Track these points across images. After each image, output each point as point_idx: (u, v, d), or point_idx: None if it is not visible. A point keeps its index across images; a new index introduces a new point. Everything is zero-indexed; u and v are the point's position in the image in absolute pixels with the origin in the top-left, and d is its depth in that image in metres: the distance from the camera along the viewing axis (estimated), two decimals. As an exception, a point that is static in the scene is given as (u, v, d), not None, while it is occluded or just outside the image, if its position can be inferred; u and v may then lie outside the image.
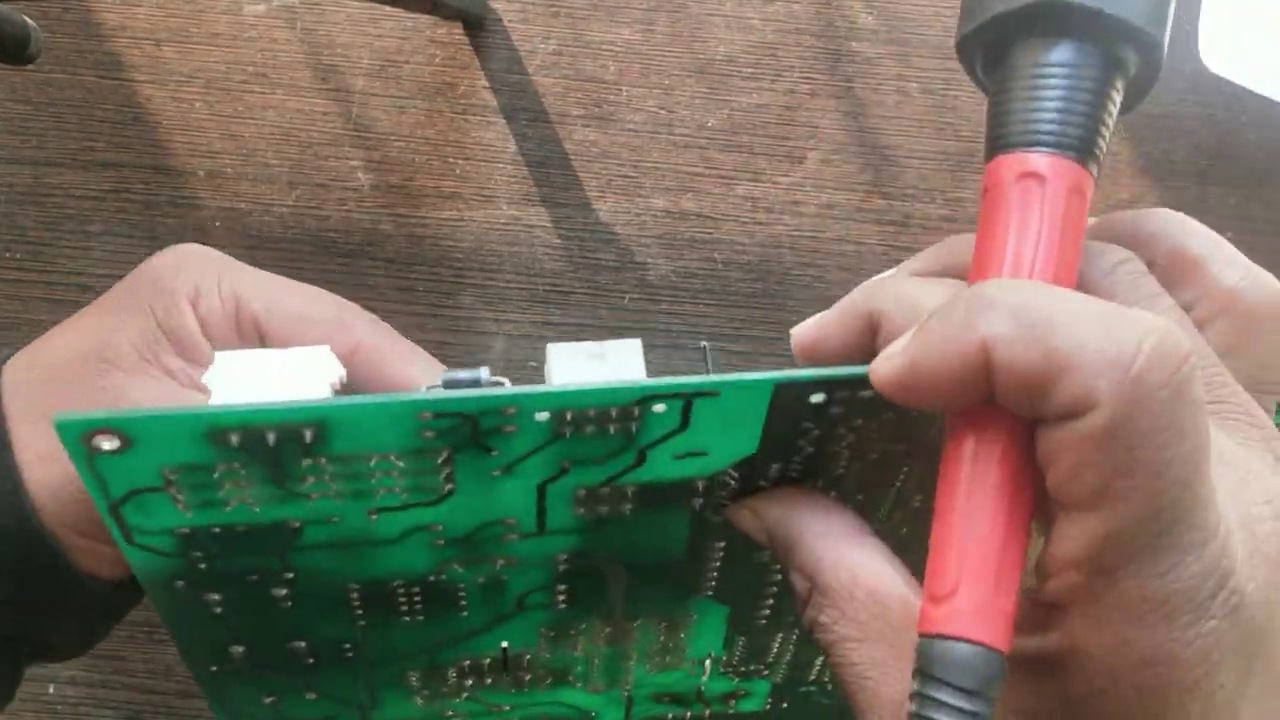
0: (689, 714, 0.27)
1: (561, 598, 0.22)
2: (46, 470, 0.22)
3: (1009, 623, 0.15)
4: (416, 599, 0.21)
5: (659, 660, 0.24)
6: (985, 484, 0.15)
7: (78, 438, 0.17)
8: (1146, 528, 0.15)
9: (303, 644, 0.22)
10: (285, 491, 0.18)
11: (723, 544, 0.22)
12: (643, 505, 0.20)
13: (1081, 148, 0.16)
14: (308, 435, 0.17)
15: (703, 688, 0.26)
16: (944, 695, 0.15)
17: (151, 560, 0.19)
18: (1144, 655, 0.15)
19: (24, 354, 0.24)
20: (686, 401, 0.18)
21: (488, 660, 0.23)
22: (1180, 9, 0.40)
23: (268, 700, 0.23)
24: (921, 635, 0.15)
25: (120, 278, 0.39)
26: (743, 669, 0.25)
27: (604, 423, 0.18)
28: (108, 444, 0.17)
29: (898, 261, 0.19)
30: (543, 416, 0.18)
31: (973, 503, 0.15)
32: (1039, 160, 0.16)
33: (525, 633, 0.23)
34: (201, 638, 0.21)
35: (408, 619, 0.22)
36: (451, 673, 0.24)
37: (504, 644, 0.23)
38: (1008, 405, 0.15)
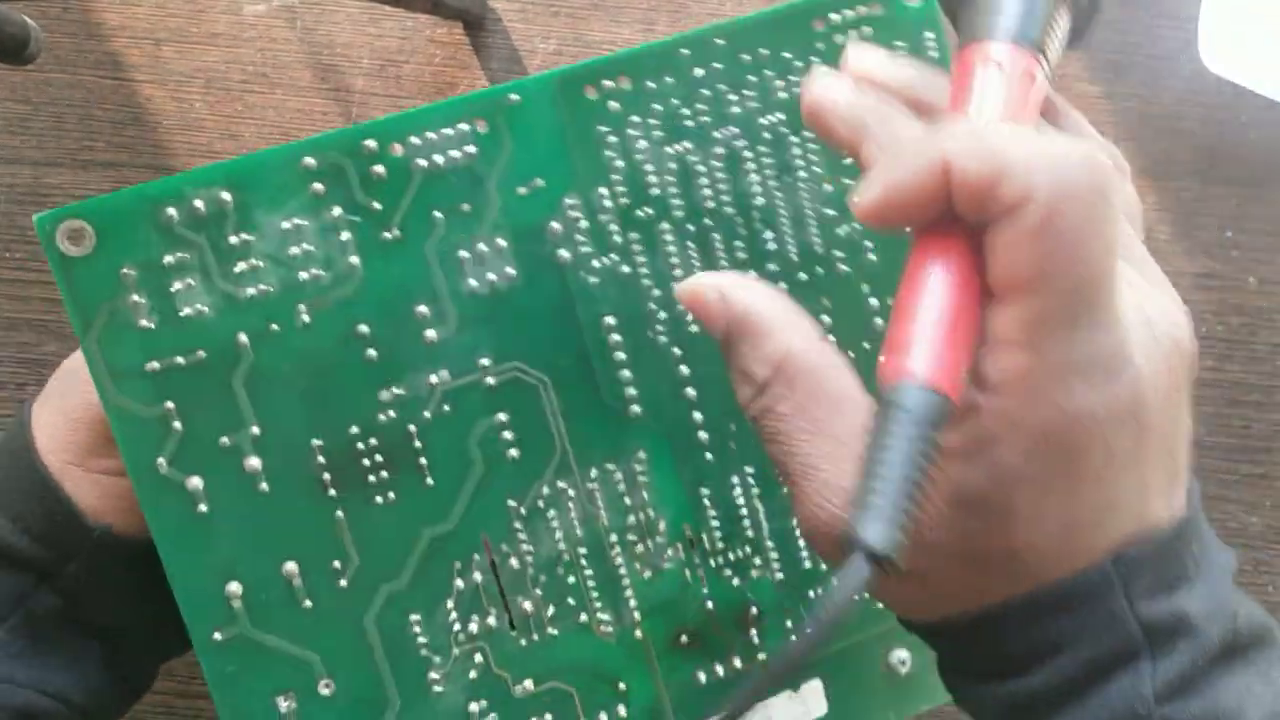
0: (721, 668, 0.28)
1: (508, 435, 0.25)
2: (52, 452, 0.25)
3: (956, 377, 0.18)
4: (380, 463, 0.25)
5: (640, 549, 0.27)
6: (942, 272, 0.18)
7: (51, 238, 0.22)
8: (1069, 306, 0.17)
9: (294, 566, 0.24)
10: (226, 286, 0.23)
11: (613, 319, 0.26)
12: (523, 271, 0.25)
13: (1034, 42, 0.20)
14: (226, 198, 0.23)
15: (711, 607, 0.27)
16: (897, 428, 0.17)
17: (134, 425, 0.23)
18: (1067, 414, 0.18)
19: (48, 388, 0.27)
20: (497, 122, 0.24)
21: (479, 578, 0.25)
22: (1180, 8, 0.40)
23: (283, 704, 0.24)
24: (881, 386, 0.18)
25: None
26: (730, 558, 0.28)
27: (451, 147, 0.24)
28: (75, 247, 0.22)
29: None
30: (398, 150, 0.24)
31: (930, 285, 0.18)
32: (1000, 49, 0.19)
33: (496, 514, 0.25)
34: (197, 568, 0.24)
35: (379, 498, 0.25)
36: (454, 620, 0.25)
37: (483, 534, 0.25)
38: (962, 212, 0.18)
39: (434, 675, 0.25)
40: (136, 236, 0.23)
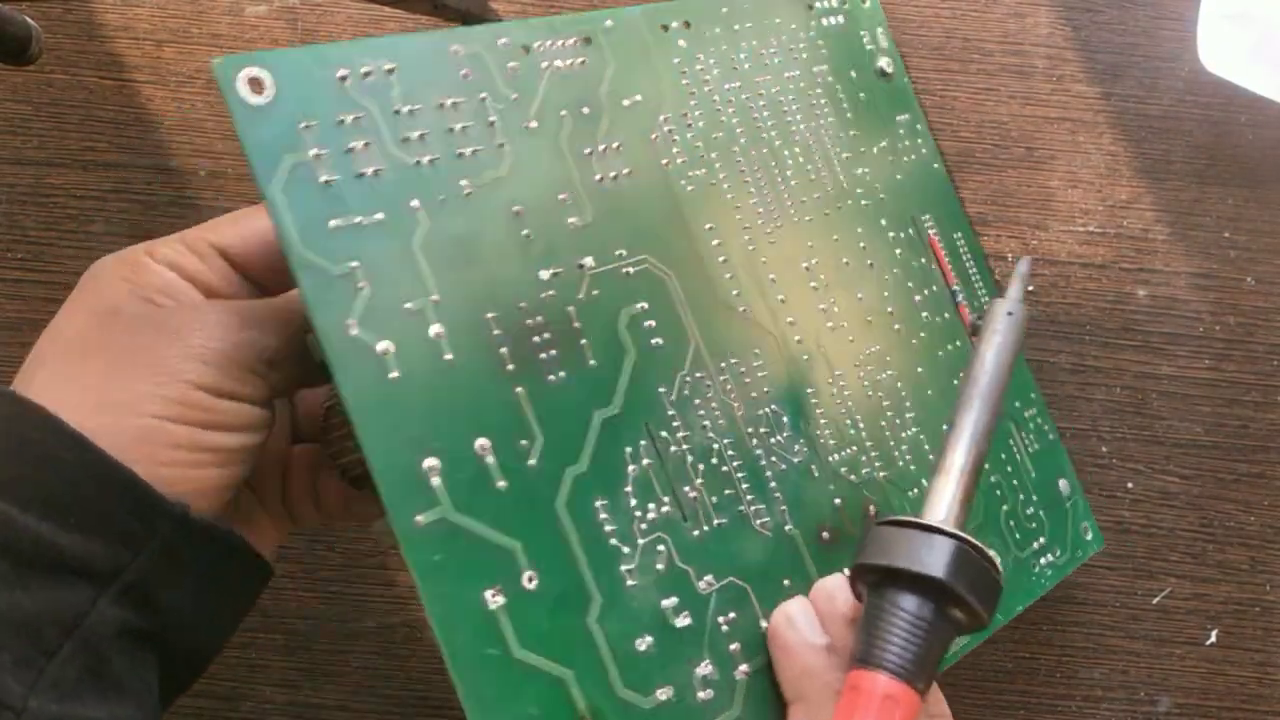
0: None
1: (650, 323, 0.26)
2: (98, 419, 0.22)
3: None
4: (548, 340, 0.25)
5: (774, 442, 0.28)
6: None
7: (231, 83, 0.21)
8: None
9: (486, 441, 0.23)
10: (397, 152, 0.23)
11: (710, 225, 0.29)
12: (638, 172, 0.27)
13: (910, 674, 0.22)
14: (391, 68, 0.24)
15: (839, 503, 0.29)
16: None
17: (322, 283, 0.22)
18: None
19: (27, 362, 0.24)
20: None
21: (647, 463, 0.25)
22: (1178, 9, 0.40)
23: (491, 598, 0.22)
24: None
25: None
26: (844, 454, 0.30)
27: (568, 56, 0.27)
28: (255, 95, 0.22)
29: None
30: (525, 51, 0.26)
31: None
32: (892, 685, 0.22)
33: (652, 400, 0.26)
34: (394, 442, 0.22)
35: (552, 377, 0.25)
36: (634, 506, 0.25)
37: (645, 420, 0.26)
38: None
39: (626, 567, 0.24)
40: (314, 92, 0.23)
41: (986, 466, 0.32)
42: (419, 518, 0.22)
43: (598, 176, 0.27)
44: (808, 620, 0.25)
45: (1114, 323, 0.39)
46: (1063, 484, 0.36)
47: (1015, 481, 0.34)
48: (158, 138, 0.38)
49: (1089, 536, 0.36)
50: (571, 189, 0.26)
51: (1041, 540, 0.34)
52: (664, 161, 0.28)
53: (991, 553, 0.24)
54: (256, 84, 0.22)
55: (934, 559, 0.23)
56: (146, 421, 0.22)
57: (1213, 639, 0.39)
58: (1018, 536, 0.33)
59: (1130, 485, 0.39)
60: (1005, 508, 0.33)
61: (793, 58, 0.32)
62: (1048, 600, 0.38)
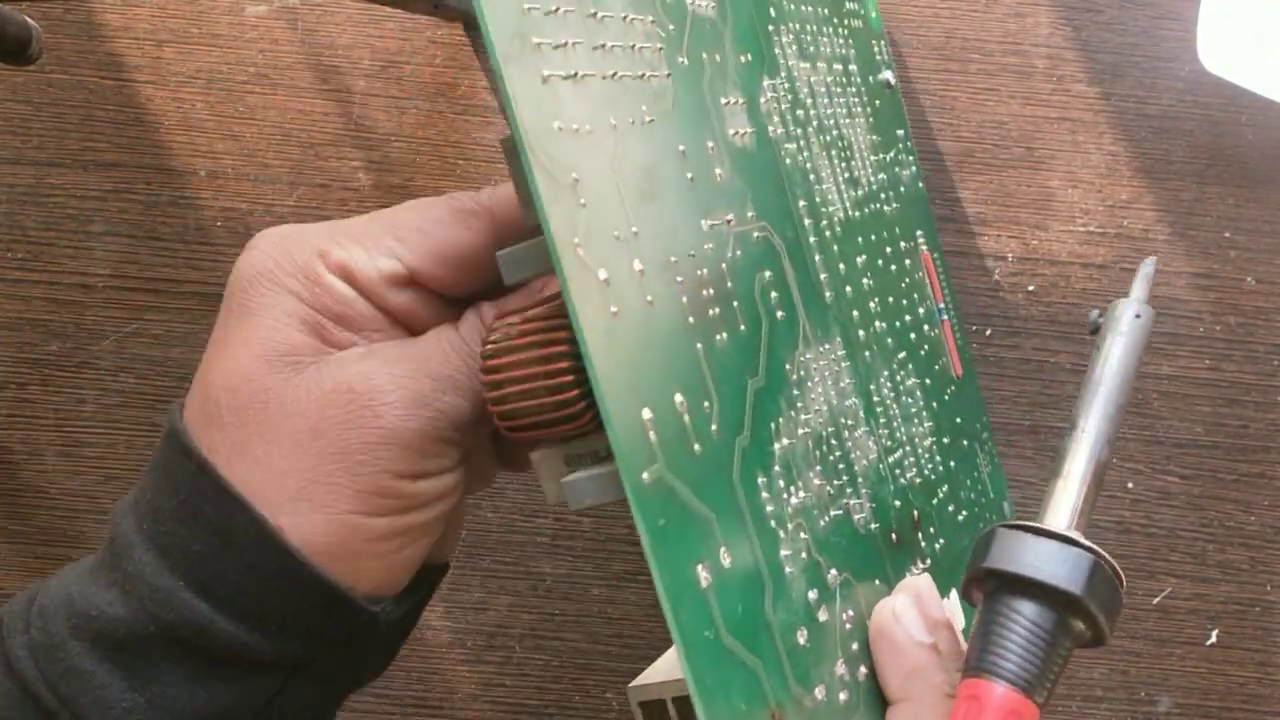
0: (919, 570, 0.28)
1: (774, 294, 0.24)
2: (293, 516, 0.20)
3: None
4: (712, 296, 0.21)
5: (859, 434, 0.26)
6: None
7: None
8: None
9: (682, 399, 0.20)
10: (596, 61, 0.20)
11: (804, 203, 0.27)
12: (756, 133, 0.25)
13: (1028, 685, 0.21)
14: None
15: (899, 505, 0.28)
16: None
17: (553, 189, 0.18)
18: None
19: (193, 405, 0.21)
20: None
21: (786, 443, 0.23)
22: (1178, 9, 0.40)
23: (703, 576, 0.19)
24: None
25: (122, 277, 0.40)
26: (894, 458, 0.29)
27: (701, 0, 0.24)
28: None
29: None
30: None
31: None
32: (1012, 697, 0.21)
33: (781, 377, 0.23)
34: (621, 384, 0.18)
35: (718, 337, 0.21)
36: (782, 488, 0.22)
37: (781, 396, 0.23)
38: None
39: (784, 552, 0.22)
40: None
41: (968, 482, 0.32)
42: (644, 474, 0.18)
43: (732, 131, 0.24)
44: (914, 618, 0.23)
45: (1114, 323, 0.39)
46: (1005, 506, 0.36)
47: (982, 501, 0.34)
48: (157, 138, 0.38)
49: None
50: (715, 138, 0.23)
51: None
52: (770, 129, 0.26)
53: (1118, 567, 0.23)
54: None
55: (1069, 572, 0.22)
56: (344, 519, 0.20)
57: (1213, 639, 0.39)
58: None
59: (1130, 485, 0.39)
60: (981, 526, 0.33)
61: (836, 51, 0.31)
62: (1048, 600, 0.38)
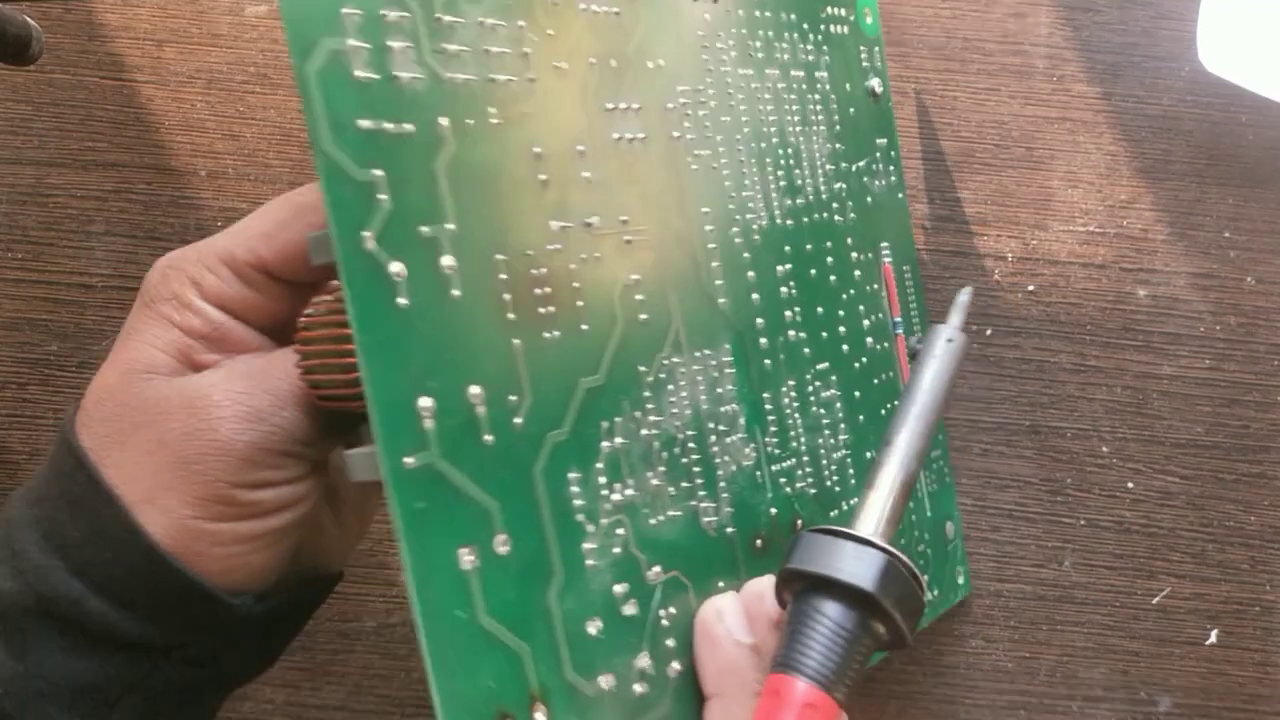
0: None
1: (639, 297, 0.25)
2: (145, 516, 0.22)
3: None
4: (548, 295, 0.23)
5: (729, 441, 0.27)
6: None
7: None
8: None
9: (479, 390, 0.21)
10: (435, 64, 0.22)
11: (708, 209, 0.28)
12: (650, 137, 0.26)
13: (836, 684, 0.22)
14: None
15: (774, 513, 0.29)
16: None
17: (344, 185, 0.20)
18: None
19: (81, 409, 0.24)
20: None
21: (620, 442, 0.24)
22: (1178, 9, 0.40)
23: (466, 558, 0.21)
24: None
25: (123, 277, 0.40)
26: (784, 465, 0.29)
27: (603, 5, 0.25)
28: None
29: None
30: None
31: None
32: (811, 692, 0.22)
33: (631, 378, 0.25)
34: (395, 372, 0.20)
35: (547, 334, 0.23)
36: (603, 484, 0.24)
37: (623, 397, 0.24)
38: None
39: (587, 545, 0.23)
40: None
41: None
42: (409, 459, 0.20)
43: (615, 135, 0.25)
44: (737, 616, 0.25)
45: (1114, 323, 0.39)
46: (949, 526, 0.36)
47: (913, 517, 0.34)
48: (158, 138, 0.38)
49: (960, 580, 0.35)
50: (589, 141, 0.24)
51: (925, 579, 0.34)
52: (675, 134, 0.27)
53: (920, 573, 0.24)
54: None
55: (864, 570, 0.23)
56: (186, 523, 0.22)
57: (1213, 639, 0.39)
58: None
59: (1130, 485, 0.39)
60: (902, 541, 0.33)
61: (799, 58, 0.32)
62: (1048, 600, 0.38)
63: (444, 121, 0.21)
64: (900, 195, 0.36)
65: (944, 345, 0.27)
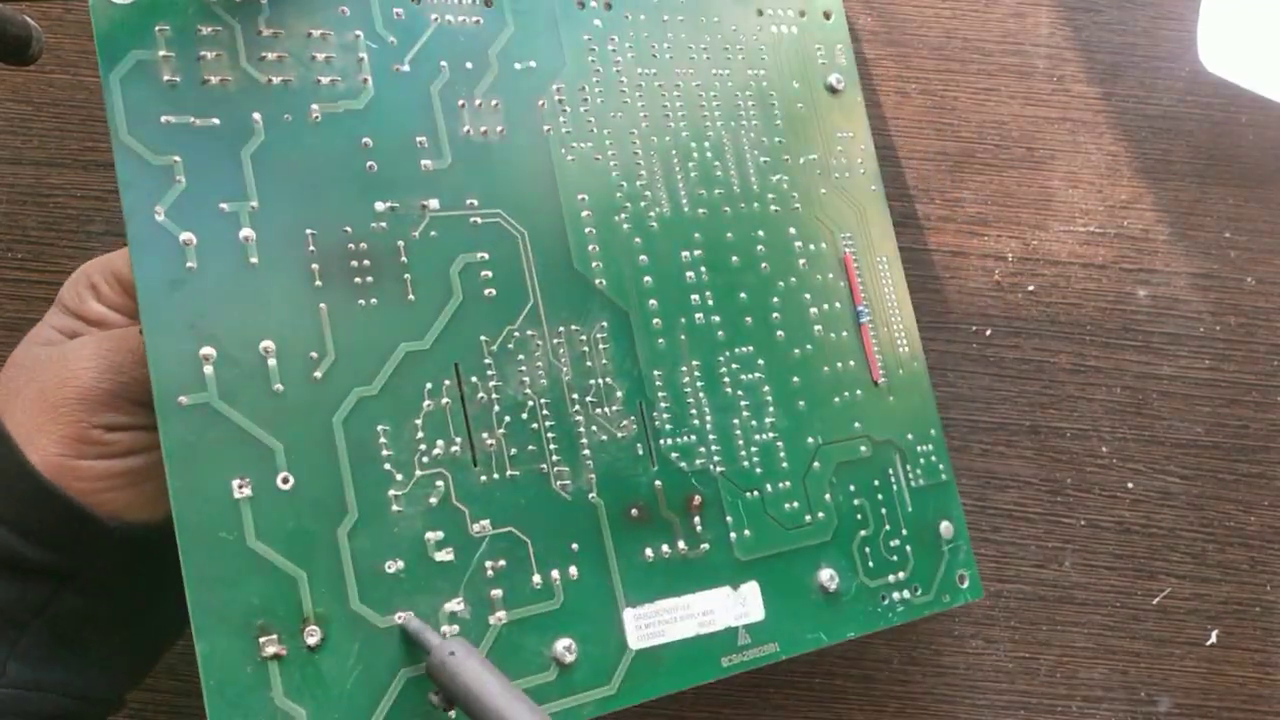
0: (668, 549, 0.30)
1: (487, 274, 0.28)
2: (33, 452, 0.25)
3: None
4: (366, 267, 0.26)
5: (599, 413, 0.29)
6: None
7: None
8: None
9: (271, 344, 0.25)
10: (251, 69, 0.26)
11: (585, 197, 0.31)
12: (512, 132, 0.29)
13: None
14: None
15: (660, 486, 0.30)
16: None
17: (137, 170, 0.24)
18: None
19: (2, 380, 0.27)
20: None
21: (446, 403, 0.27)
22: (1178, 9, 0.40)
23: (238, 488, 0.24)
24: None
25: (122, 277, 0.38)
26: (678, 441, 0.31)
27: (462, 13, 0.29)
28: None
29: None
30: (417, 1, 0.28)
31: None
32: None
33: (469, 346, 0.28)
34: (173, 323, 0.24)
35: (362, 301, 0.26)
36: (420, 439, 0.26)
37: (456, 362, 0.27)
38: None
39: (394, 493, 0.26)
40: (178, 3, 0.25)
41: (852, 488, 0.33)
42: (183, 398, 0.24)
43: (466, 128, 0.28)
44: None
45: (1114, 323, 0.39)
46: (945, 526, 0.34)
47: (884, 510, 0.33)
48: (158, 138, 0.38)
49: (965, 585, 0.34)
50: (432, 135, 0.28)
51: (900, 575, 0.33)
52: (546, 128, 0.30)
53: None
54: None
55: None
56: (57, 460, 0.25)
57: (1213, 639, 0.39)
58: (870, 564, 0.32)
59: (1130, 485, 0.39)
60: (864, 533, 0.33)
61: (726, 57, 0.34)
62: (1048, 601, 0.38)
63: (257, 116, 0.26)
64: (874, 188, 0.35)
65: (451, 661, 0.24)
